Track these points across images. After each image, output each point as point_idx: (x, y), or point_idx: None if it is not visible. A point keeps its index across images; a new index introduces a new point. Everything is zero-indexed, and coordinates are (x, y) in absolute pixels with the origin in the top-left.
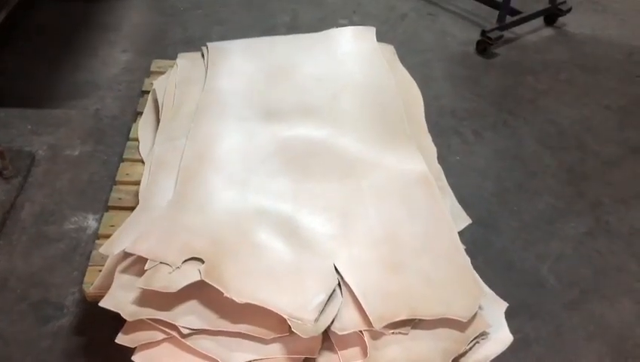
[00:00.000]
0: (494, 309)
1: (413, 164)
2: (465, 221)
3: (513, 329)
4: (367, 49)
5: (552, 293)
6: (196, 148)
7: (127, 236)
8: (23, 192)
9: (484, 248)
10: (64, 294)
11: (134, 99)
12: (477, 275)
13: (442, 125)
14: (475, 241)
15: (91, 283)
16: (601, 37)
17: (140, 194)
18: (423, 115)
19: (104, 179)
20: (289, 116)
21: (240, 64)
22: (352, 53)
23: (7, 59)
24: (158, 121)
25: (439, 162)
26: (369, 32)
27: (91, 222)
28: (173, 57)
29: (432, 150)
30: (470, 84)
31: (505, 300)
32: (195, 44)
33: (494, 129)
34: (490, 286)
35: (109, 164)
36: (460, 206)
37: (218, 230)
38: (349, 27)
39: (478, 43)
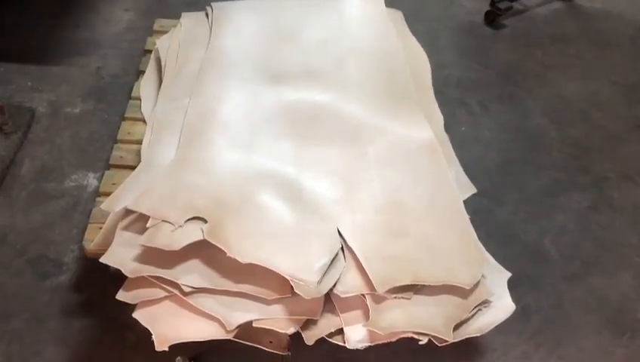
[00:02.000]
0: (497, 278)
1: (420, 130)
2: (470, 190)
3: (514, 300)
4: (375, 14)
5: (553, 266)
6: (200, 108)
7: (129, 193)
8: (22, 148)
9: (487, 219)
10: (63, 251)
11: (136, 59)
12: (480, 244)
13: (448, 95)
14: (477, 212)
15: (92, 240)
16: (611, 11)
17: (142, 153)
18: (430, 82)
19: (105, 137)
20: (294, 79)
21: (245, 24)
22: (359, 17)
23: (5, 15)
24: (160, 80)
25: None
26: None
27: (92, 180)
28: (177, 17)
29: (439, 118)
30: (477, 54)
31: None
32: (198, 4)
33: (500, 101)
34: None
35: (110, 123)
36: (465, 175)
37: (221, 190)
38: None
39: (487, 13)
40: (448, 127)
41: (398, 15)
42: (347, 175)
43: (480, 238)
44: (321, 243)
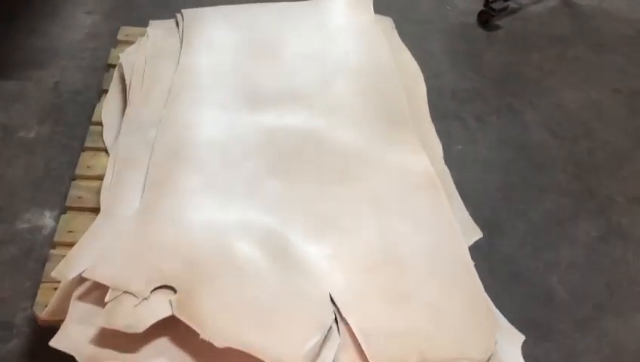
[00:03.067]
0: (509, 341)
1: (418, 163)
2: (475, 234)
3: (523, 353)
4: (363, 22)
5: (562, 309)
6: (168, 142)
7: (85, 255)
8: None
9: (489, 254)
10: (13, 311)
11: (100, 72)
12: (490, 302)
13: (442, 108)
14: (478, 246)
15: (44, 304)
16: (609, 10)
17: (101, 199)
18: (425, 101)
19: (63, 166)
20: (276, 103)
21: (219, 37)
22: (346, 26)
23: None
24: (125, 101)
25: None
26: (366, 3)
27: (48, 220)
28: (145, 22)
29: (437, 146)
30: (472, 60)
31: (513, 316)
32: (170, 6)
33: (498, 113)
34: (495, 300)
35: (70, 149)
36: (469, 215)
37: (193, 248)
38: None
39: (480, 14)
40: (444, 146)
41: (388, 23)
42: (340, 221)
43: (481, 278)
44: (310, 316)
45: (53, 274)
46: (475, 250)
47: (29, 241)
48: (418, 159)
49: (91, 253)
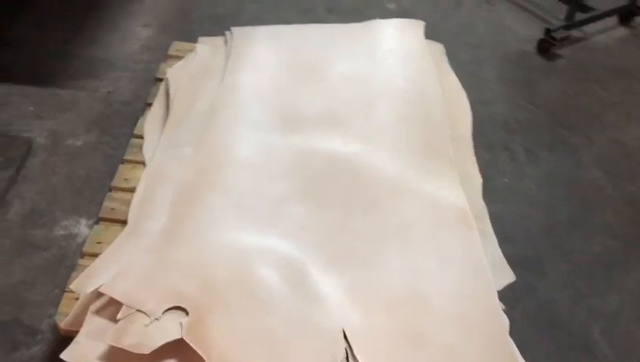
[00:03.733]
0: None
1: (453, 197)
2: (507, 278)
3: None
4: (412, 48)
5: None
6: (201, 160)
7: (105, 269)
8: (14, 187)
9: (526, 295)
10: (40, 316)
11: (150, 84)
12: (516, 350)
13: (491, 138)
14: (515, 286)
15: (66, 314)
16: None
17: (130, 212)
18: (470, 132)
19: (104, 176)
20: (313, 126)
21: (265, 56)
22: (394, 51)
23: (18, 28)
24: (168, 117)
25: (484, 183)
26: (417, 27)
27: (83, 228)
28: (199, 35)
29: (477, 181)
30: (527, 89)
31: None
32: (224, 22)
33: (550, 147)
34: (527, 349)
35: (113, 159)
36: (502, 256)
37: (211, 270)
38: (394, 19)
39: (540, 42)
40: (489, 178)
41: (438, 48)
42: (363, 254)
43: (515, 321)
44: (321, 351)
45: (72, 286)
46: (512, 291)
47: (63, 248)
48: (453, 193)
49: (112, 267)
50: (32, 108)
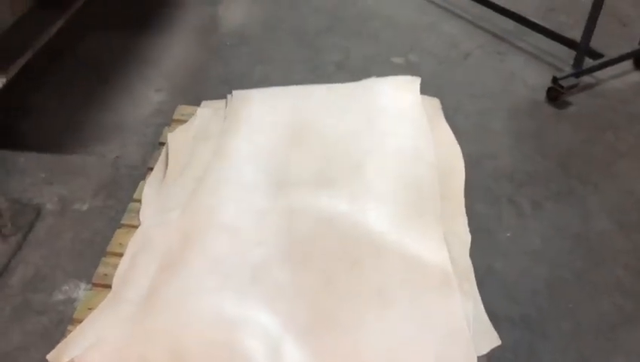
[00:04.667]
0: None
1: (436, 258)
2: (491, 342)
3: None
4: (406, 105)
5: None
6: (185, 225)
7: (83, 339)
8: (19, 252)
9: (526, 358)
10: None
11: (158, 147)
12: None
13: (495, 191)
14: (516, 348)
15: None
16: None
17: (114, 279)
18: (462, 189)
19: (107, 240)
20: (302, 186)
21: (259, 118)
22: (388, 108)
23: (37, 97)
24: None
25: (485, 239)
26: (412, 84)
27: (82, 292)
28: (210, 97)
29: (465, 238)
30: (535, 140)
31: None
32: (234, 83)
33: (557, 198)
34: None
35: (116, 223)
36: (487, 319)
37: (186, 340)
38: (390, 77)
39: (549, 90)
40: (491, 233)
41: (434, 104)
42: (341, 317)
43: None
44: None
45: (48, 357)
46: (512, 353)
47: (61, 313)
48: (437, 253)
49: (90, 337)
50: (43, 175)
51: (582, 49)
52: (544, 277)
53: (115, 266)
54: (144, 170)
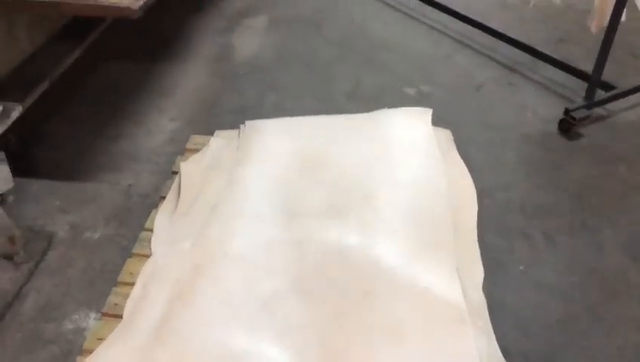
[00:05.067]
0: None
1: (449, 293)
2: None
3: None
4: (418, 136)
5: None
6: (197, 256)
7: None
8: (31, 280)
9: None
10: None
11: (171, 176)
12: None
13: (507, 224)
14: None
15: None
16: None
17: (125, 309)
18: (475, 222)
19: (118, 269)
20: (314, 217)
21: (272, 149)
22: (400, 140)
23: (52, 125)
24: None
25: (498, 272)
26: (424, 115)
27: (91, 321)
28: (222, 127)
29: (479, 273)
30: (548, 171)
31: None
32: (247, 112)
33: (571, 232)
34: None
35: (128, 251)
36: (501, 355)
37: None
38: (401, 108)
39: (561, 122)
40: (504, 266)
41: (446, 135)
42: (353, 352)
43: None
44: None
45: None
46: None
47: (70, 342)
48: (450, 289)
49: None
50: (57, 203)
51: (594, 81)
52: (557, 312)
53: (126, 296)
54: (156, 198)
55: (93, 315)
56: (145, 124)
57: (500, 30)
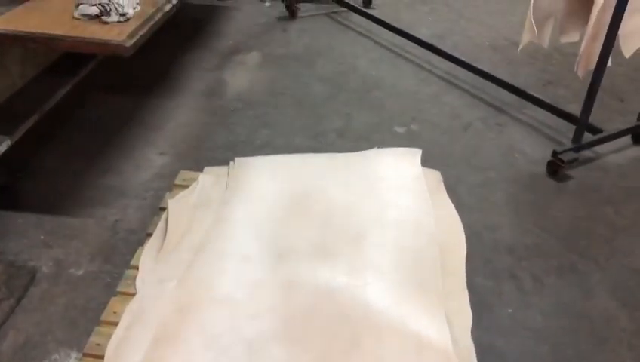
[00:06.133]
0: None
1: (437, 337)
2: None
3: None
4: (408, 177)
5: None
6: (182, 297)
7: None
8: (12, 317)
9: None
10: None
11: (157, 212)
12: None
13: (496, 265)
14: None
15: None
16: None
17: (106, 352)
18: (463, 264)
19: (101, 307)
20: (302, 257)
21: (260, 187)
22: (389, 180)
23: (41, 159)
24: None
25: (485, 315)
26: (413, 156)
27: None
28: (212, 163)
29: (467, 317)
30: (536, 213)
31: None
32: (236, 148)
33: (559, 274)
34: None
35: (112, 289)
36: None
37: None
38: (391, 148)
39: (549, 164)
40: (492, 309)
41: (435, 176)
42: None
43: None
44: None
45: None
46: None
47: None
48: (439, 333)
49: None
50: (42, 237)
51: (581, 124)
52: (546, 357)
53: (109, 336)
54: (142, 234)
55: (74, 355)
56: (134, 158)
57: (488, 71)
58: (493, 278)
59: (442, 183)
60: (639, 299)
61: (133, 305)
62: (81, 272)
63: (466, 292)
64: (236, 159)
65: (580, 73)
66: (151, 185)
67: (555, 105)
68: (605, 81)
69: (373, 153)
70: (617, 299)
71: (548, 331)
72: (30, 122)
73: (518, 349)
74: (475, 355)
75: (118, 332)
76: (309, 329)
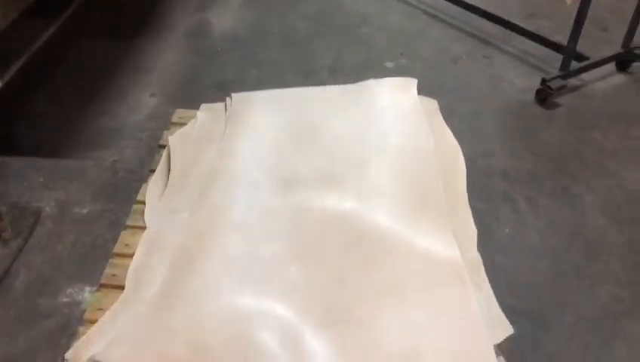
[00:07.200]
0: None
1: (446, 252)
2: (505, 331)
3: None
4: (405, 105)
5: None
6: (197, 225)
7: (101, 337)
8: (21, 256)
9: (531, 350)
10: None
11: (155, 151)
12: None
13: (491, 189)
14: (519, 340)
15: None
16: None
17: (127, 279)
18: (465, 186)
19: (109, 243)
20: (309, 185)
21: (262, 120)
22: (387, 109)
23: (34, 103)
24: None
25: (484, 235)
26: (409, 85)
27: (87, 295)
28: (203, 102)
29: (472, 233)
30: (526, 139)
31: None
32: (228, 88)
33: (552, 196)
34: None
35: (117, 226)
36: (499, 309)
37: (205, 335)
38: (387, 79)
39: (538, 92)
40: (491, 229)
41: (432, 104)
42: (357, 312)
43: None
44: None
45: (66, 355)
46: (517, 344)
47: (66, 316)
48: (447, 248)
49: (108, 335)
50: (41, 180)
51: (569, 52)
52: (544, 271)
53: (124, 267)
54: (142, 173)
55: (87, 289)
56: (126, 100)
57: (473, 3)
58: (489, 202)
59: (439, 110)
60: (628, 214)
61: (147, 235)
62: (85, 211)
63: (469, 209)
64: (233, 95)
65: (568, 1)
66: (145, 125)
67: (542, 35)
68: (589, 12)
69: (370, 84)
70: (607, 217)
71: (544, 248)
72: (19, 64)
73: (517, 265)
74: (482, 267)
75: (136, 261)
76: (323, 249)
